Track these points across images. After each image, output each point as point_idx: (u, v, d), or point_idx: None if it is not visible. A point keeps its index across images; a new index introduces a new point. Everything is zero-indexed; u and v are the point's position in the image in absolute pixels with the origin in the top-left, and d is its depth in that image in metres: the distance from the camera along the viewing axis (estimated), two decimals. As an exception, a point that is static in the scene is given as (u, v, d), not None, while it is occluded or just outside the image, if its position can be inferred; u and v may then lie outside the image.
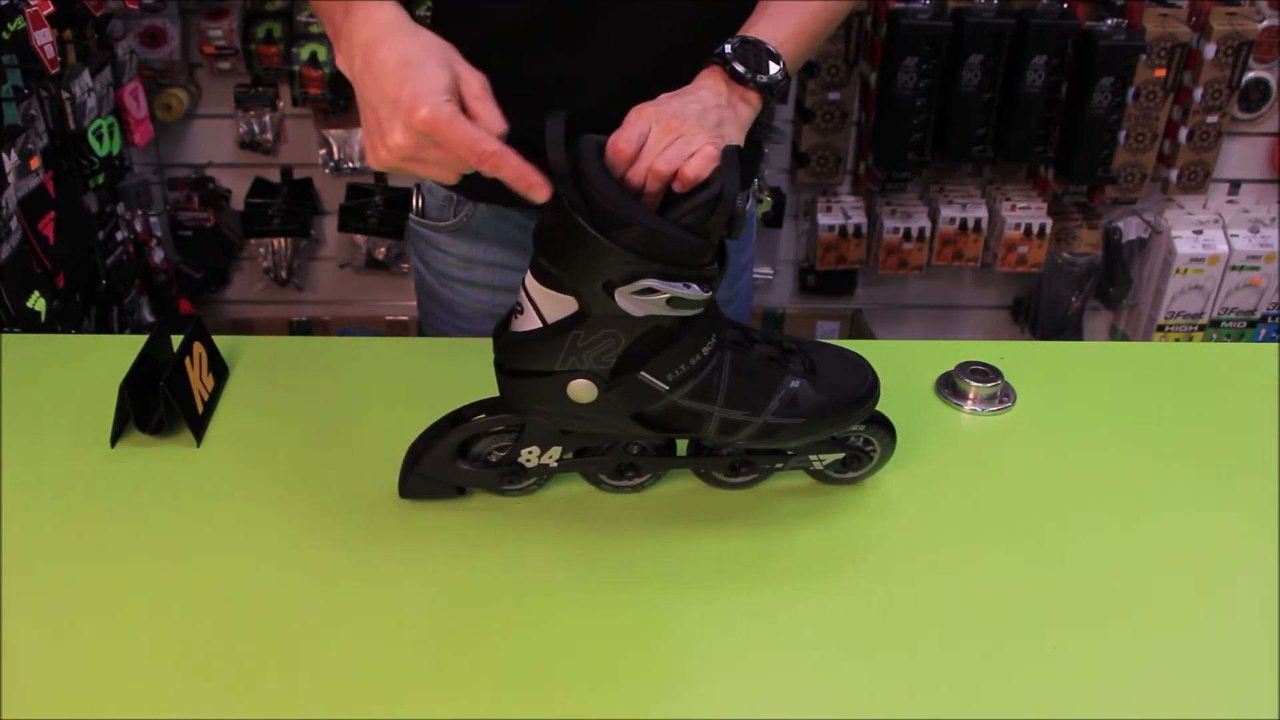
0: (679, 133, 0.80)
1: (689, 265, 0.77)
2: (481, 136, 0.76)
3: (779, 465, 0.95)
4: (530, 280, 0.81)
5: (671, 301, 0.78)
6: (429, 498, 0.94)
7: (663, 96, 0.85)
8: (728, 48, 0.89)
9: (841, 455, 0.95)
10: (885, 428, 0.95)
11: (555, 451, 0.91)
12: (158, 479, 0.97)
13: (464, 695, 0.77)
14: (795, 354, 0.89)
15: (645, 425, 0.88)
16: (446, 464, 0.91)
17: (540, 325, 0.82)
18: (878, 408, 0.93)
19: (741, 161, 0.79)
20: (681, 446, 0.95)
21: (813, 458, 0.94)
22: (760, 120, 1.21)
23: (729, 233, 0.78)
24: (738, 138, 0.86)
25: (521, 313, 0.83)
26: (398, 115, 0.77)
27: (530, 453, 0.91)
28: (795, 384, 0.87)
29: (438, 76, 0.77)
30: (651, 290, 0.77)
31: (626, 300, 0.78)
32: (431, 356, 1.17)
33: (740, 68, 0.88)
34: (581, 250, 0.76)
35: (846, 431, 0.93)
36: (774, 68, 0.90)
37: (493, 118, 0.79)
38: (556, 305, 0.80)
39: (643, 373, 0.83)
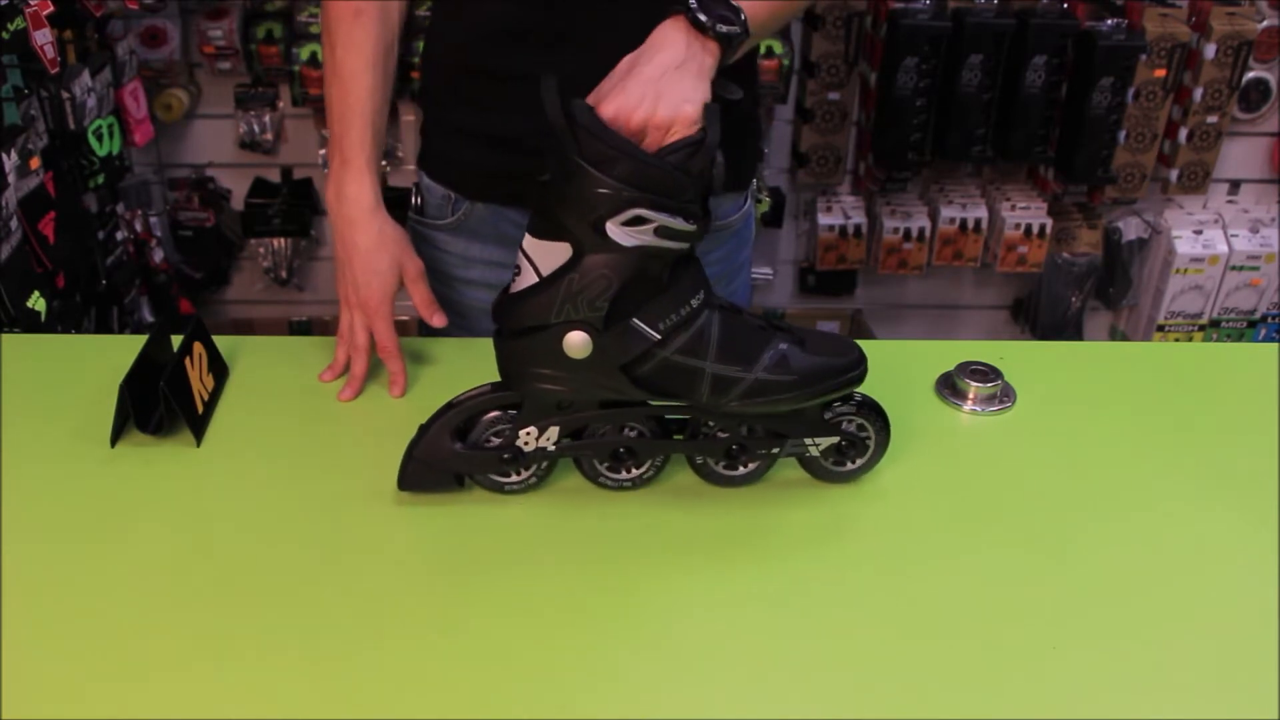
0: (652, 109, 0.85)
1: (675, 197, 0.83)
2: (392, 342, 1.12)
3: (775, 450, 0.95)
4: (527, 239, 0.86)
5: (659, 230, 0.82)
6: (428, 489, 0.94)
7: (624, 63, 0.89)
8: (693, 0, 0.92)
9: (836, 440, 0.95)
10: (879, 415, 0.96)
11: (553, 432, 0.92)
12: (158, 479, 0.97)
13: (464, 695, 0.77)
14: (782, 330, 0.93)
15: (640, 387, 0.89)
16: (445, 448, 0.92)
17: (537, 279, 0.86)
18: (873, 406, 0.95)
19: (722, 116, 0.85)
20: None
21: (808, 442, 0.95)
22: (747, 112, 1.22)
23: (709, 183, 0.84)
24: (700, 87, 0.88)
25: (519, 273, 0.87)
26: (356, 294, 1.12)
27: (528, 434, 0.92)
28: (784, 346, 0.90)
29: (389, 278, 1.12)
30: (641, 220, 0.81)
31: (617, 231, 0.82)
32: (431, 356, 1.18)
33: (703, 17, 0.90)
34: (575, 187, 0.81)
35: (839, 415, 0.94)
36: (735, 21, 0.92)
37: (423, 297, 1.15)
38: (551, 255, 0.85)
39: (635, 319, 0.86)
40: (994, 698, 0.78)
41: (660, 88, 0.85)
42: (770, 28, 1.04)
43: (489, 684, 0.78)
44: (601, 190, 0.80)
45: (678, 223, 0.83)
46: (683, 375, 0.88)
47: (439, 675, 0.78)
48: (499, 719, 0.75)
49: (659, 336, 0.87)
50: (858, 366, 0.91)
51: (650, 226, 0.82)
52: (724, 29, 0.91)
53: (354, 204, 1.12)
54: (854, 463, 0.98)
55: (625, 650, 0.82)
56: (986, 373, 1.12)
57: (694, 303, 0.87)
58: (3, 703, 0.74)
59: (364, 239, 1.12)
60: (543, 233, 0.85)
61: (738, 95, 0.92)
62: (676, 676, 0.79)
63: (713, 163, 0.84)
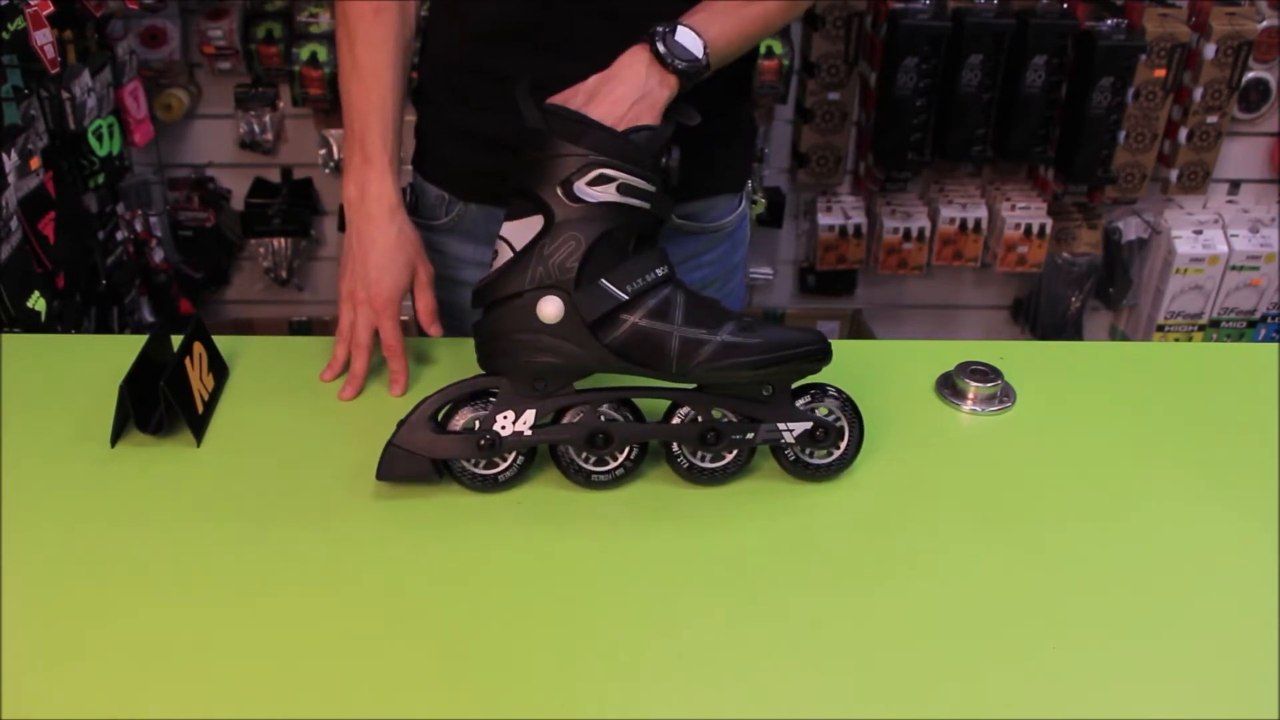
0: None
1: (636, 164, 0.90)
2: (398, 341, 1.12)
3: (749, 435, 0.95)
4: (503, 225, 0.92)
5: (622, 188, 0.89)
6: (407, 478, 0.94)
7: (590, 84, 0.94)
8: (661, 29, 0.96)
9: (810, 426, 0.95)
10: (852, 407, 0.97)
11: (529, 415, 0.93)
12: (158, 479, 0.97)
13: (467, 696, 0.77)
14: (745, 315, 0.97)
15: (613, 354, 0.91)
16: (423, 435, 0.93)
17: (512, 255, 0.91)
18: (862, 406, 0.97)
19: (677, 129, 0.95)
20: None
21: (782, 427, 0.95)
22: (741, 116, 1.23)
23: (666, 173, 0.93)
24: (652, 122, 0.94)
25: (496, 256, 0.93)
26: (365, 290, 1.12)
27: (505, 418, 0.93)
28: (749, 319, 0.94)
29: (403, 277, 1.13)
30: (605, 179, 0.89)
31: (585, 189, 0.89)
32: (424, 356, 1.18)
33: (662, 49, 0.95)
34: (545, 157, 0.89)
35: (812, 404, 0.96)
36: (697, 55, 0.97)
37: (427, 305, 1.16)
38: (525, 230, 0.91)
39: (603, 280, 0.90)
40: (994, 697, 0.78)
41: (610, 124, 0.91)
42: (735, 55, 1.06)
43: (486, 682, 0.78)
44: (570, 156, 0.88)
45: (639, 182, 0.90)
46: (652, 341, 0.91)
47: (439, 674, 0.78)
48: (492, 718, 0.75)
49: (626, 297, 0.90)
50: (820, 341, 0.94)
51: (614, 184, 0.89)
52: (683, 65, 0.96)
53: (376, 202, 1.12)
54: (830, 454, 0.98)
55: (613, 648, 0.82)
56: (986, 373, 1.12)
57: (659, 272, 0.92)
58: (3, 703, 0.74)
59: (383, 237, 1.12)
60: (517, 213, 0.91)
61: (695, 120, 0.97)
62: (670, 674, 0.79)
63: (668, 153, 0.93)
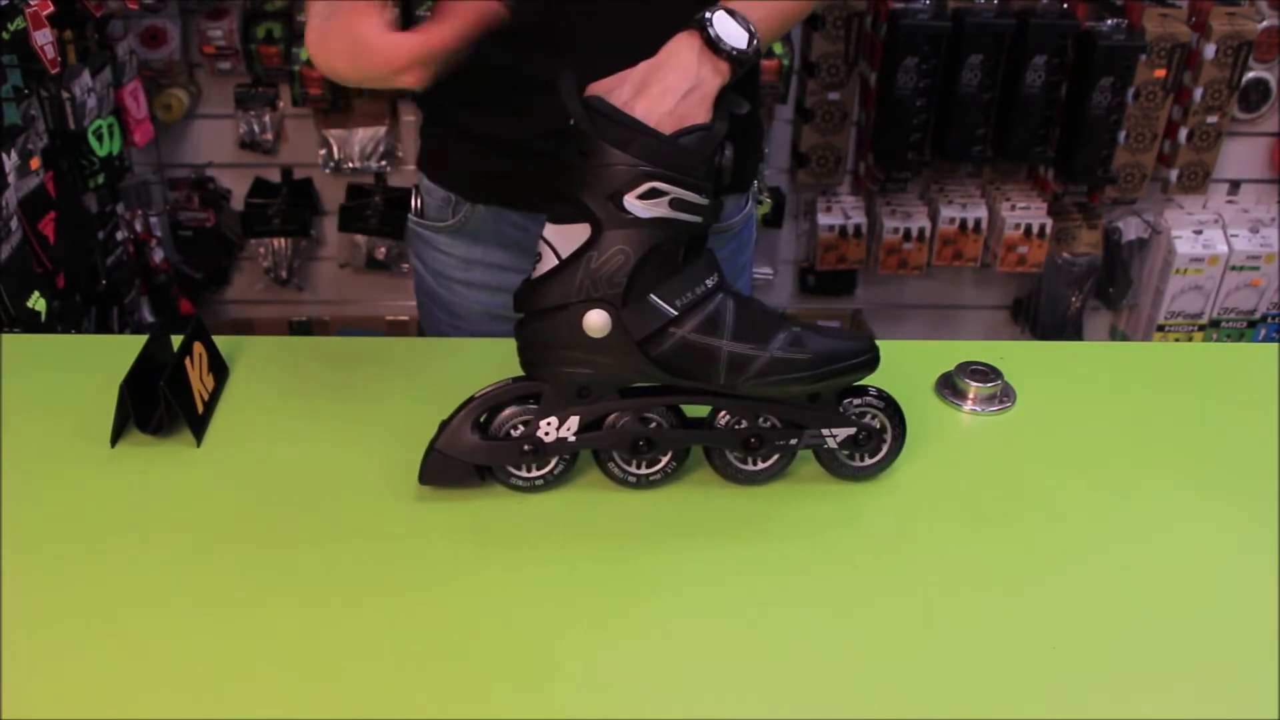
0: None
1: (688, 173, 0.86)
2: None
3: (793, 441, 0.95)
4: (547, 228, 0.89)
5: (674, 203, 0.86)
6: (449, 482, 0.94)
7: (638, 72, 0.89)
8: (708, 15, 0.93)
9: (854, 431, 0.95)
10: (895, 409, 0.97)
11: (573, 423, 0.92)
12: (158, 479, 0.97)
13: (466, 695, 0.77)
14: (794, 319, 0.94)
15: (659, 368, 0.90)
16: (466, 440, 0.92)
17: (557, 263, 0.88)
18: (889, 399, 0.96)
19: (730, 119, 0.90)
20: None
21: (825, 433, 0.95)
22: (749, 115, 1.23)
23: (719, 172, 0.89)
24: (700, 118, 0.90)
25: (539, 260, 0.89)
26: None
27: (549, 424, 0.92)
28: (797, 329, 0.92)
29: None
30: (657, 192, 0.85)
31: (635, 204, 0.85)
32: (431, 357, 1.18)
33: (714, 33, 0.92)
34: (593, 164, 0.85)
35: (855, 408, 0.95)
36: (748, 41, 0.93)
37: None
38: (571, 237, 0.87)
39: (652, 295, 0.88)
40: (992, 698, 0.78)
41: (660, 118, 0.88)
42: (773, 40, 1.05)
43: (495, 682, 0.78)
44: (619, 166, 0.84)
45: (692, 195, 0.86)
46: (700, 355, 0.89)
47: (442, 675, 0.78)
48: (503, 718, 0.75)
49: (675, 313, 0.88)
50: (871, 350, 0.93)
51: (666, 199, 0.85)
52: (737, 51, 0.92)
53: None
54: (871, 457, 0.98)
55: (637, 647, 0.82)
56: (986, 373, 1.12)
57: (709, 283, 0.90)
58: (3, 703, 0.74)
59: None
60: (562, 218, 0.88)
61: (745, 109, 0.93)
62: (675, 672, 0.79)
63: (721, 151, 0.88)
